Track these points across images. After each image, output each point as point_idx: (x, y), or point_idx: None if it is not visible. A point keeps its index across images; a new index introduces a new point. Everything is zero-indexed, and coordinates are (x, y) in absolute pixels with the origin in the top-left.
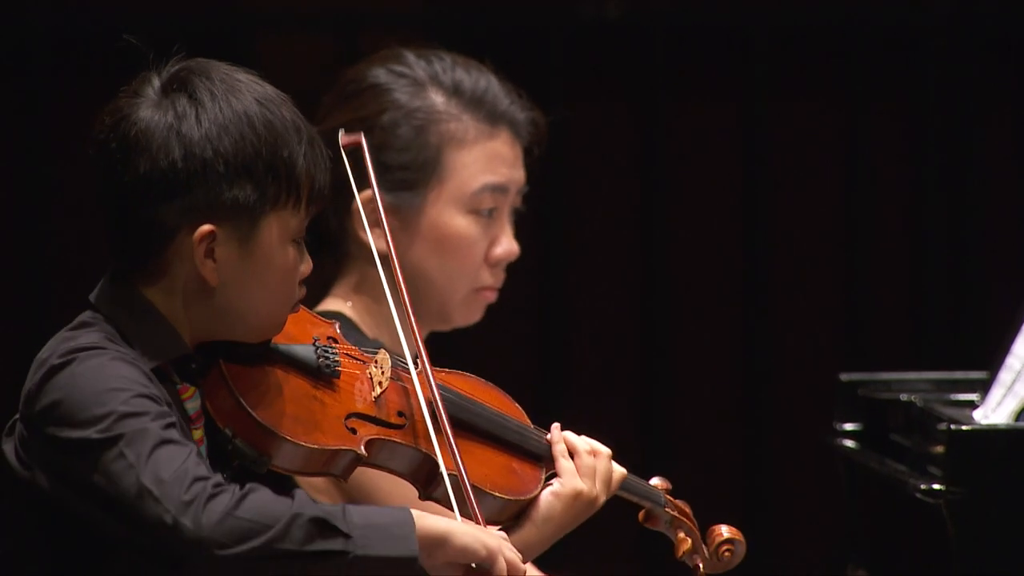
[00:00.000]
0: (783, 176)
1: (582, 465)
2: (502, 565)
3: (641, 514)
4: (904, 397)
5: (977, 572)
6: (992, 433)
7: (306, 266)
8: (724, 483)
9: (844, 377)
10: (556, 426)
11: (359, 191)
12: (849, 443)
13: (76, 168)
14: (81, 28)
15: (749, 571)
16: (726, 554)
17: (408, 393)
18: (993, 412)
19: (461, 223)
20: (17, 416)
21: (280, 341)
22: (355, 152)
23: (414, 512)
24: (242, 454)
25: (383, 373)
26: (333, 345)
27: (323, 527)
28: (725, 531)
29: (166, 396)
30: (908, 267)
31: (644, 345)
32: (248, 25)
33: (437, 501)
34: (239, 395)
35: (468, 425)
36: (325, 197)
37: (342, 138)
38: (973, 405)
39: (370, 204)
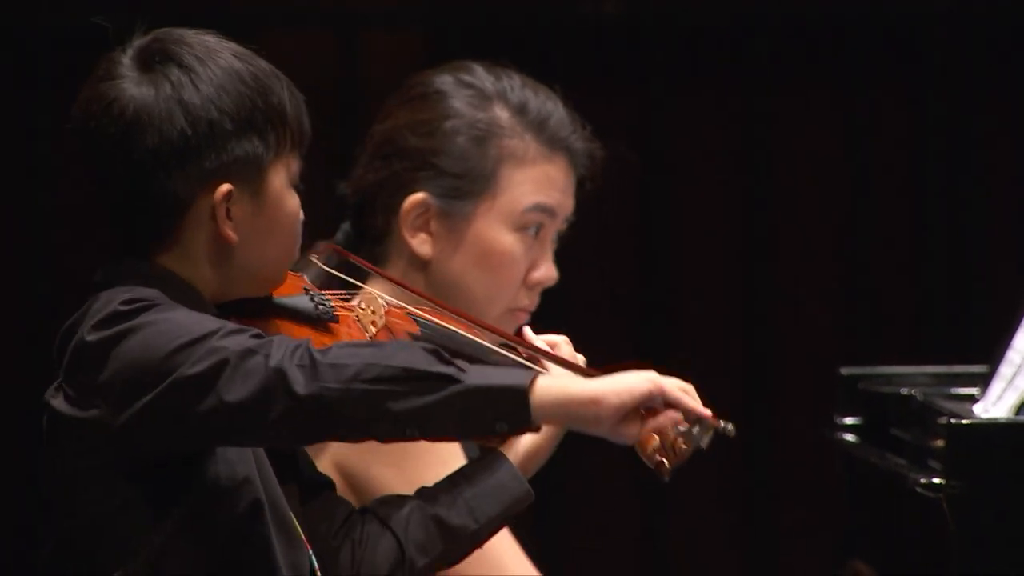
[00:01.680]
0: (784, 170)
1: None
2: (671, 387)
3: None
4: (904, 391)
5: (977, 566)
6: (992, 427)
7: (301, 213)
8: (724, 478)
9: (844, 371)
10: (526, 329)
11: (408, 199)
12: (849, 437)
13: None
14: (74, 28)
15: (751, 564)
16: (681, 447)
17: (399, 329)
18: (993, 406)
19: (508, 239)
20: (59, 380)
21: (276, 295)
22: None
23: (565, 378)
24: None
25: (374, 312)
26: (320, 292)
27: (439, 355)
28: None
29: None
30: (909, 261)
31: (643, 340)
32: (247, 23)
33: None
34: None
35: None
36: (308, 137)
37: (312, 257)
38: (973, 399)
39: (418, 207)
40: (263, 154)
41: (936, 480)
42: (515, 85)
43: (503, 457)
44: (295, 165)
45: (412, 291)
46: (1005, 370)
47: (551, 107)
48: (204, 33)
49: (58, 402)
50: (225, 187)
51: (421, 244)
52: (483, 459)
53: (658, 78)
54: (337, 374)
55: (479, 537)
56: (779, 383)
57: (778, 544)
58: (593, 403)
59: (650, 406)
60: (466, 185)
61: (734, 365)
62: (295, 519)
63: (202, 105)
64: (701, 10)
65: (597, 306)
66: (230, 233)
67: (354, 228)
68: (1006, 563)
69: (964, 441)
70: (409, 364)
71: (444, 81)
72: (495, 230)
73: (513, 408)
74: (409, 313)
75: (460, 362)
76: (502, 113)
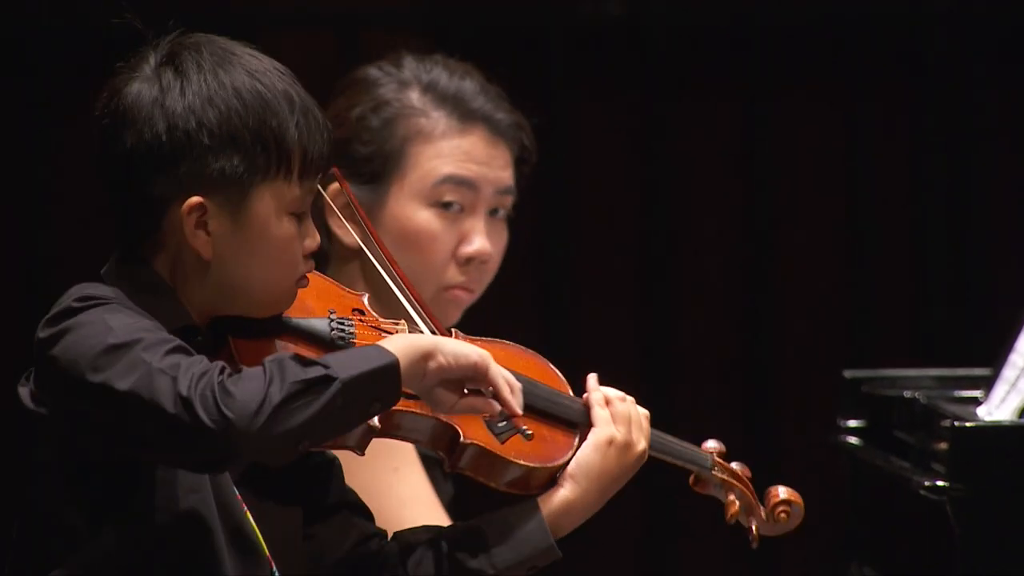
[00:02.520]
0: (785, 172)
1: (616, 412)
2: (496, 370)
3: (691, 478)
4: (908, 394)
5: (981, 569)
6: (996, 430)
7: (311, 240)
8: None
9: (848, 374)
10: (592, 376)
11: (326, 190)
12: (853, 440)
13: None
14: (81, 27)
15: (752, 568)
16: (782, 515)
17: None
18: (997, 409)
19: (423, 216)
20: (33, 368)
21: (296, 314)
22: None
23: (398, 337)
24: None
25: None
26: (354, 317)
27: (300, 361)
28: (782, 492)
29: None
30: (911, 263)
31: (646, 342)
32: (248, 24)
33: (463, 470)
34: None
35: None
36: (322, 168)
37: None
38: (977, 402)
39: (340, 199)
40: (245, 175)
41: (939, 483)
42: (432, 68)
43: (536, 508)
44: (296, 191)
45: (434, 320)
46: (1008, 373)
47: (465, 84)
48: (238, 45)
49: (23, 393)
50: (195, 199)
51: (347, 235)
52: (516, 507)
53: (659, 79)
54: (242, 406)
55: None
56: (782, 386)
57: (781, 547)
58: (425, 357)
59: (474, 386)
60: (376, 168)
61: (737, 367)
62: (258, 536)
63: (182, 113)
64: (702, 11)
65: (599, 308)
66: (201, 247)
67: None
68: (1009, 565)
69: (967, 444)
70: (294, 378)
71: (367, 72)
72: (410, 209)
73: (388, 386)
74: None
75: (319, 360)
76: (412, 94)
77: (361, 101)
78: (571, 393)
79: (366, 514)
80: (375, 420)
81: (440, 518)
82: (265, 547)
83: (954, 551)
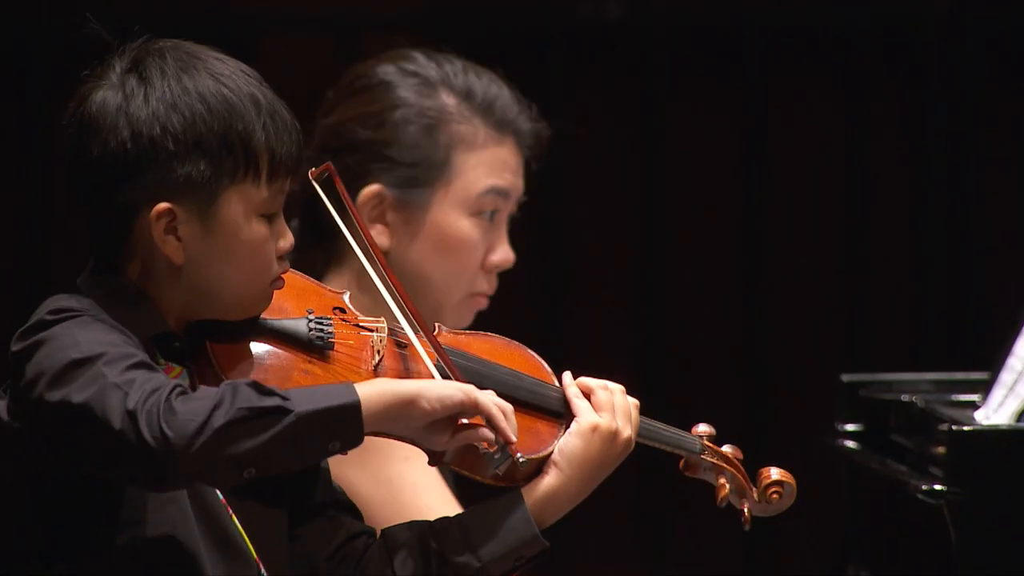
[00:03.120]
0: (784, 176)
1: (597, 401)
2: (486, 402)
3: (680, 463)
4: (905, 398)
5: (978, 573)
6: (993, 434)
7: (285, 241)
8: None
9: (845, 378)
10: (567, 374)
11: (362, 192)
12: (850, 444)
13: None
14: (78, 29)
15: (750, 571)
16: (774, 496)
17: (412, 359)
18: (994, 413)
19: (465, 225)
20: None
21: (273, 316)
22: (328, 180)
23: (379, 381)
24: None
25: (381, 341)
26: (334, 316)
27: (259, 389)
28: (774, 473)
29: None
30: (909, 267)
31: (645, 347)
32: (250, 26)
33: (447, 464)
34: (222, 374)
35: (477, 387)
36: (292, 169)
37: (311, 172)
38: (974, 406)
39: (373, 200)
40: (212, 179)
41: (937, 487)
42: (457, 70)
43: (519, 499)
44: (265, 192)
45: (422, 325)
46: (1006, 377)
47: (496, 90)
48: (204, 50)
49: (0, 407)
50: (163, 206)
51: (379, 236)
52: (500, 499)
53: (658, 83)
54: (182, 425)
55: (488, 573)
56: (780, 390)
57: (779, 551)
58: (409, 404)
59: (465, 418)
60: (421, 174)
61: (735, 371)
62: (243, 536)
63: (146, 120)
64: (701, 14)
65: (598, 311)
66: (171, 252)
67: (304, 225)
68: (1007, 569)
69: (965, 448)
70: (244, 404)
71: (387, 71)
72: (452, 216)
73: (348, 425)
74: (417, 345)
75: (279, 391)
76: (448, 99)
77: (395, 103)
78: (557, 383)
79: (353, 512)
80: None
81: (451, 504)
82: (252, 549)
83: (952, 555)
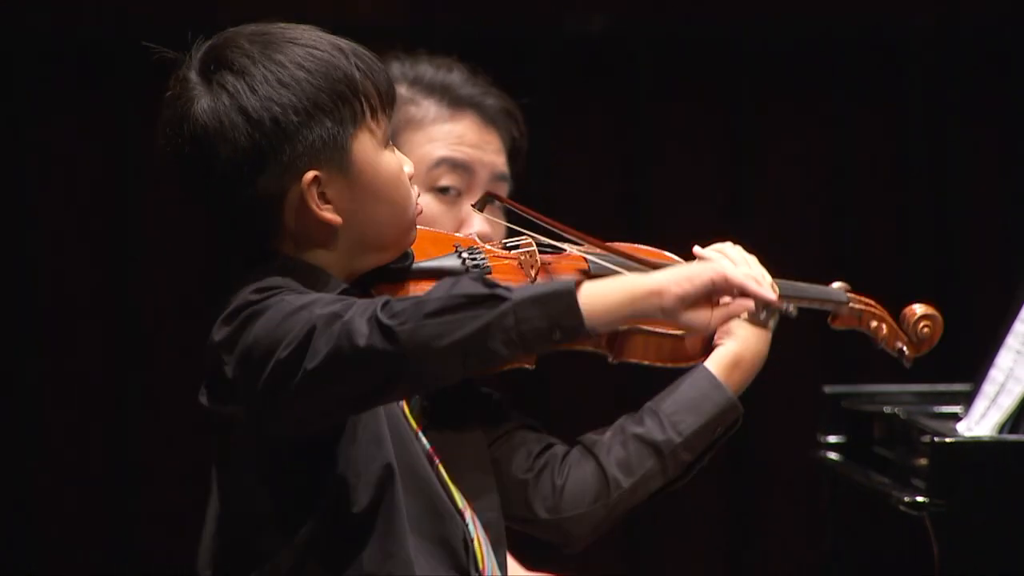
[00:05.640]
0: (768, 187)
1: (733, 259)
2: (735, 274)
3: (829, 317)
4: (888, 409)
5: None
6: (976, 445)
7: (408, 165)
8: (708, 495)
9: (828, 389)
10: (696, 247)
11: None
12: (833, 455)
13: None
14: (56, 39)
15: None
16: (925, 330)
17: (564, 270)
18: (977, 424)
19: (421, 202)
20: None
21: (422, 259)
22: (491, 199)
23: (614, 278)
24: None
25: (531, 255)
26: (479, 246)
27: (482, 280)
28: (918, 308)
29: None
30: (891, 279)
31: None
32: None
33: (630, 350)
34: None
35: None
36: (393, 96)
37: (472, 204)
38: (957, 417)
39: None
40: (340, 132)
41: (919, 498)
42: (416, 63)
43: (704, 368)
44: (383, 125)
45: (569, 232)
46: (988, 388)
47: (447, 73)
48: (262, 25)
49: (204, 400)
50: (310, 175)
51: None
52: (686, 377)
53: (643, 95)
54: (401, 316)
55: (692, 448)
56: (763, 401)
57: (763, 563)
58: (655, 295)
59: (718, 294)
60: None
61: None
62: (449, 489)
63: (262, 106)
64: (687, 27)
65: None
66: (329, 216)
67: None
68: None
69: (948, 459)
70: (461, 291)
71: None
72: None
73: (564, 312)
74: (571, 251)
75: (501, 284)
76: (400, 89)
77: None
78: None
79: (538, 430)
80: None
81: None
82: (459, 501)
83: (934, 566)
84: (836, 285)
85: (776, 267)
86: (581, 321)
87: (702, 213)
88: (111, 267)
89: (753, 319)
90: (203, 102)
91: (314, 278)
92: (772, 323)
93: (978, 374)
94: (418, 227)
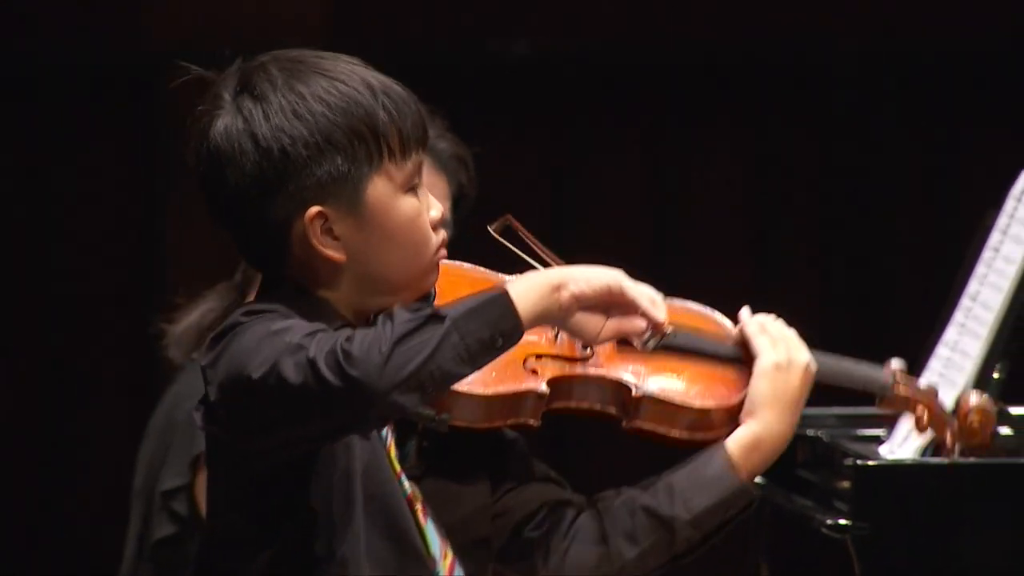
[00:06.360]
0: (692, 209)
1: (773, 334)
2: (631, 287)
3: (876, 399)
4: (810, 432)
5: None
6: (898, 468)
7: (435, 210)
8: None
9: None
10: (744, 310)
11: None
12: (756, 478)
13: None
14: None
15: None
16: (974, 423)
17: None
18: (899, 447)
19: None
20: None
21: (452, 300)
22: (509, 228)
23: (523, 275)
24: (421, 416)
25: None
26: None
27: (410, 308)
28: (973, 398)
29: None
30: (815, 303)
31: None
32: (159, 61)
33: (641, 424)
34: None
35: (665, 346)
36: (421, 140)
37: (493, 228)
38: (879, 440)
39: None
40: (352, 170)
41: (842, 521)
42: None
43: (722, 450)
44: (406, 169)
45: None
46: None
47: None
48: (301, 52)
49: (197, 417)
50: (313, 210)
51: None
52: (703, 453)
53: (567, 116)
54: (361, 362)
55: (700, 527)
56: None
57: None
58: (556, 288)
59: (612, 304)
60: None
61: None
62: (424, 535)
63: (272, 135)
64: (610, 50)
65: None
66: (332, 253)
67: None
68: None
69: (870, 482)
70: (404, 321)
71: None
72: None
73: (501, 317)
74: None
75: (428, 306)
76: None
77: None
78: (734, 330)
79: (558, 483)
80: (543, 386)
81: None
82: (431, 549)
83: None
84: (894, 365)
85: (702, 286)
86: (519, 322)
87: (627, 231)
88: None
89: (639, 342)
90: (221, 122)
91: (316, 310)
92: (652, 344)
93: None
94: (460, 265)
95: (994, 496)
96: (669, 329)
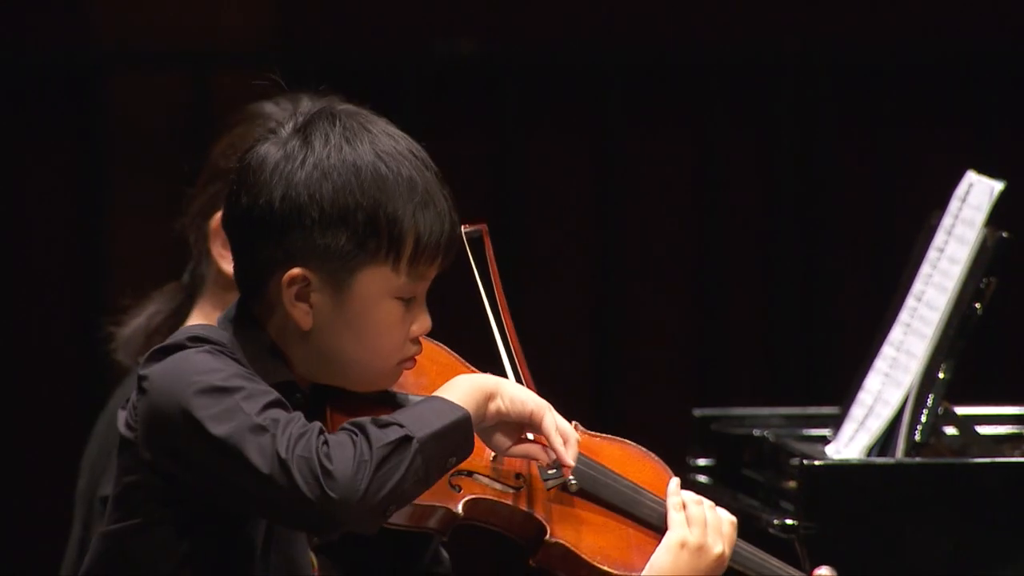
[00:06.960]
0: (637, 209)
1: (691, 515)
2: (550, 421)
3: None
4: (757, 432)
5: None
6: (844, 468)
7: (419, 325)
8: None
9: (697, 412)
10: (674, 480)
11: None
12: (702, 478)
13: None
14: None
15: None
16: None
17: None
18: (845, 447)
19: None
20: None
21: (409, 391)
22: (479, 239)
23: (462, 380)
24: None
25: None
26: None
27: (378, 423)
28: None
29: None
30: (761, 303)
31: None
32: (102, 63)
33: (545, 566)
34: None
35: (594, 497)
36: (437, 258)
37: (463, 227)
38: (825, 440)
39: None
40: (351, 253)
41: (789, 521)
42: None
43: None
44: (401, 278)
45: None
46: (856, 411)
47: None
48: (379, 122)
49: (120, 417)
50: (296, 271)
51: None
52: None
53: (512, 117)
54: (344, 485)
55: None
56: (632, 424)
57: None
58: (488, 397)
59: (528, 430)
60: None
61: (585, 403)
62: None
63: (298, 184)
64: (555, 51)
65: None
66: (300, 316)
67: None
68: None
69: (816, 482)
70: (381, 445)
71: (262, 108)
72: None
73: (462, 441)
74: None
75: (392, 419)
76: None
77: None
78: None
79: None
80: (459, 507)
81: None
82: None
83: None
84: (823, 572)
85: (644, 290)
86: (472, 447)
87: (571, 232)
88: None
89: (541, 474)
90: (266, 147)
91: (267, 358)
92: (551, 484)
93: (846, 397)
94: (442, 351)
95: (939, 495)
96: (570, 476)
